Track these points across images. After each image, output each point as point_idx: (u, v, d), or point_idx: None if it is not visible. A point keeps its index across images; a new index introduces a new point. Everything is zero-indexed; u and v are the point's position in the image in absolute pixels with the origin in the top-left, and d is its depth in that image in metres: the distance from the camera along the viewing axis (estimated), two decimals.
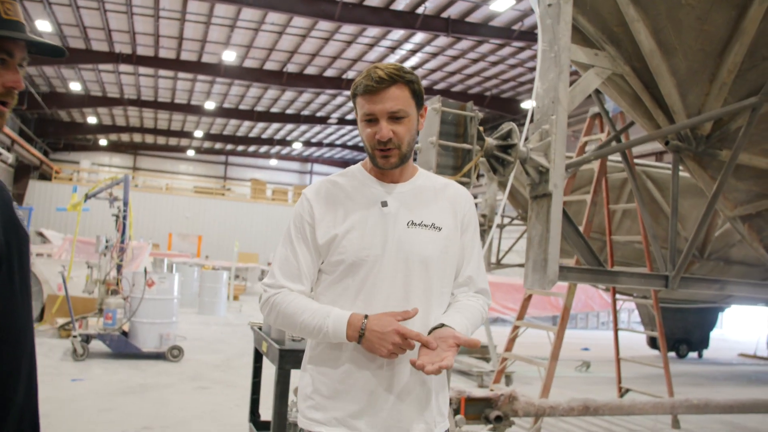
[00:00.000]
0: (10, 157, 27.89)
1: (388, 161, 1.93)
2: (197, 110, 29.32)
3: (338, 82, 24.07)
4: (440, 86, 24.16)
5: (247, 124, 33.20)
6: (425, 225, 1.96)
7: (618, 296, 8.42)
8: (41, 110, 28.97)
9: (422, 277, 1.94)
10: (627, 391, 7.45)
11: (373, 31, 19.30)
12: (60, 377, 7.14)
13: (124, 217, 9.19)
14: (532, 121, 4.24)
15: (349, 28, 19.06)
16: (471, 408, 5.30)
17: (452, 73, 22.75)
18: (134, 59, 22.87)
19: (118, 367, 7.99)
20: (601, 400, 5.83)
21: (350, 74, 23.57)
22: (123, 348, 8.43)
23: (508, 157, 4.20)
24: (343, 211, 1.94)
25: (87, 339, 8.31)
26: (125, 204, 9.26)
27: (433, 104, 4.13)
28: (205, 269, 18.24)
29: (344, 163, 39.31)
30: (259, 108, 29.66)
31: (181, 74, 24.76)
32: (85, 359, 8.12)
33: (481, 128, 4.19)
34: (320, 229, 1.93)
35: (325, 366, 1.94)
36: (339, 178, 2.04)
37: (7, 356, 1.36)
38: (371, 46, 20.54)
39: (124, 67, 24.29)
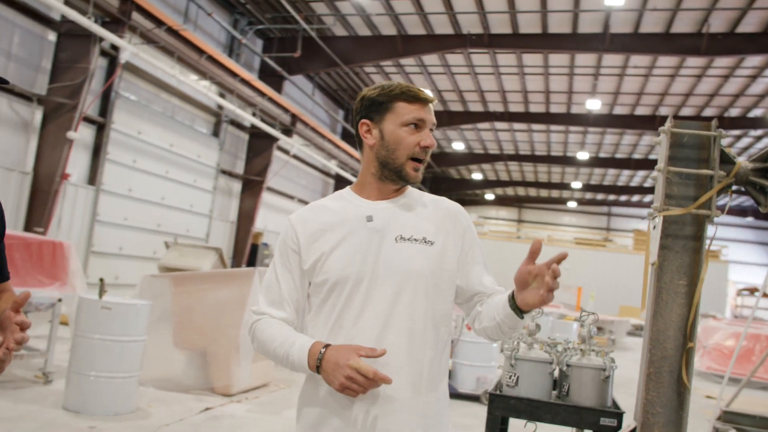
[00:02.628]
0: None
1: (418, 174, 1.87)
2: (572, 161, 29.40)
3: (720, 122, 21.85)
4: None
5: (626, 172, 32.13)
6: (415, 239, 1.83)
7: None
8: (433, 169, 32.25)
9: (411, 295, 1.79)
10: None
11: (752, 61, 17.17)
12: None
13: None
14: None
15: (722, 61, 17.30)
16: None
17: None
18: (507, 116, 24.08)
19: None
20: None
21: (732, 112, 21.25)
22: None
23: None
24: (328, 232, 1.87)
25: None
26: None
27: (663, 127, 3.56)
28: (566, 320, 17.91)
29: (741, 212, 35.08)
30: (636, 155, 28.50)
31: (552, 127, 25.25)
32: None
33: (728, 149, 3.46)
34: (305, 252, 1.88)
35: (304, 407, 1.84)
36: (326, 201, 1.98)
37: None
38: (753, 77, 18.27)
39: (499, 125, 25.75)
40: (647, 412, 3.54)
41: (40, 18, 12.00)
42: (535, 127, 25.64)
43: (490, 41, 17.21)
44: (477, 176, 35.87)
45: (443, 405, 1.86)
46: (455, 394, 8.90)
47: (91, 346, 5.64)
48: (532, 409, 3.73)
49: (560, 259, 1.63)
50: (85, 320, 5.73)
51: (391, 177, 1.88)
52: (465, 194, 40.04)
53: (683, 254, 3.55)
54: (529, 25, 16.55)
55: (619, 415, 3.67)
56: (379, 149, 1.88)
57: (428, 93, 1.91)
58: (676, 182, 3.61)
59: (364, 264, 1.81)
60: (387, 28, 17.93)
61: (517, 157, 30.05)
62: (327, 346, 1.72)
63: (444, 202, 1.97)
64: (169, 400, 6.61)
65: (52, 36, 12.28)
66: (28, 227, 11.78)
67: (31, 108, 12.05)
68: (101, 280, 5.91)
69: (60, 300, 6.53)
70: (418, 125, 1.86)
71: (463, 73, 20.76)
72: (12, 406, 5.58)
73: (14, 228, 11.73)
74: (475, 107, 24.22)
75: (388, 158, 1.86)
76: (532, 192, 39.59)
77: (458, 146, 29.40)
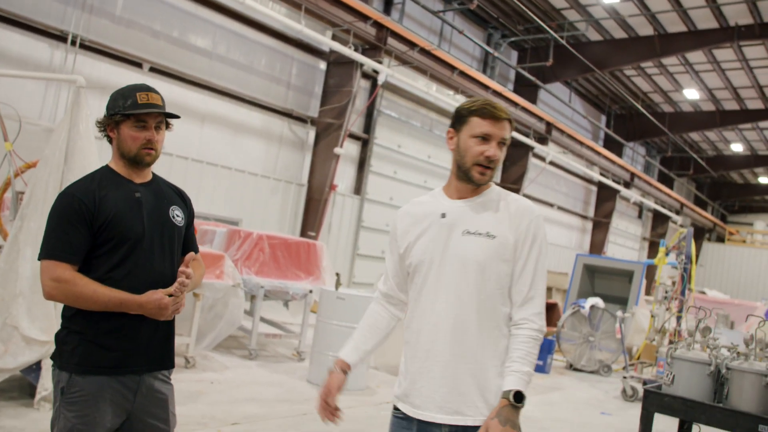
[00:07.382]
0: (679, 220, 29.55)
1: (484, 177, 2.28)
2: None
3: None
4: None
5: None
6: (479, 233, 2.23)
7: None
8: (710, 174, 29.82)
9: (476, 279, 2.21)
10: None
11: None
12: (595, 409, 7.85)
13: (684, 270, 9.26)
14: None
15: None
16: None
17: None
18: None
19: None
20: None
21: None
22: None
23: None
24: (416, 224, 2.36)
25: (645, 383, 8.70)
26: (687, 257, 9.32)
27: None
28: None
29: None
30: None
31: None
32: (634, 401, 8.51)
33: None
34: (401, 239, 2.40)
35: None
36: (423, 197, 2.45)
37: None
38: None
39: None
40: None
41: (313, 51, 13.87)
42: None
43: (761, 31, 15.77)
44: (765, 180, 32.32)
45: (488, 375, 2.21)
46: None
47: (329, 330, 6.66)
48: (687, 409, 3.73)
49: None
50: (325, 308, 6.79)
51: (463, 178, 2.32)
52: (752, 200, 36.23)
53: None
54: None
55: None
56: (456, 154, 2.33)
57: (504, 112, 2.27)
58: None
59: (435, 252, 2.28)
60: (643, 29, 17.33)
61: None
62: (331, 372, 2.40)
63: (518, 201, 2.32)
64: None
65: (322, 65, 14.11)
66: (303, 232, 13.67)
67: (306, 129, 13.98)
68: (337, 274, 6.93)
69: (311, 291, 7.73)
70: (485, 138, 2.26)
71: (736, 68, 19.18)
72: (268, 375, 6.83)
73: (292, 232, 13.70)
74: (754, 104, 22.10)
75: (460, 162, 2.31)
76: None
77: (737, 148, 26.96)
